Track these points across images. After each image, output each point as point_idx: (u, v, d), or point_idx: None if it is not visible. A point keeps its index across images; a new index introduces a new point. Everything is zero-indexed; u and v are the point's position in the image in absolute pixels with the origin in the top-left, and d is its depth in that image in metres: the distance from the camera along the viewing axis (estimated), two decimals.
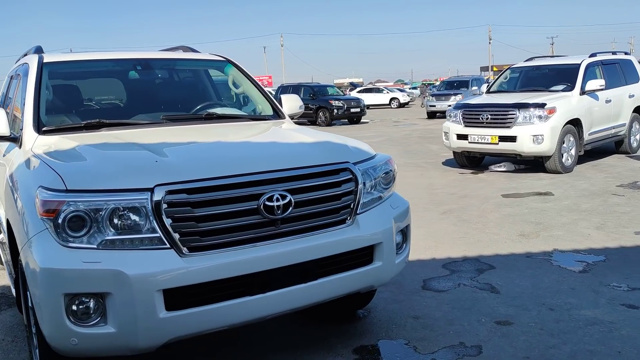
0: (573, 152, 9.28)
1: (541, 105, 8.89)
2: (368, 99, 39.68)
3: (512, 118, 8.99)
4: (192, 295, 2.49)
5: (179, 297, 2.46)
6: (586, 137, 9.50)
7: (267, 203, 2.64)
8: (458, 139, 9.67)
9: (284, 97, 4.50)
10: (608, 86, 10.07)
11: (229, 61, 4.59)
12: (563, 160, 9.07)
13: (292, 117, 4.51)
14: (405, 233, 3.33)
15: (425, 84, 52.49)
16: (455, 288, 4.32)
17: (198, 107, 4.10)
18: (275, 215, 2.66)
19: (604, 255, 4.94)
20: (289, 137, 3.51)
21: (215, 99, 4.41)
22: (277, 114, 4.29)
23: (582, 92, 9.49)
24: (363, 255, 2.97)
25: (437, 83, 41.14)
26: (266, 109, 4.33)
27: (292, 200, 2.71)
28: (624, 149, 10.85)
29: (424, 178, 9.36)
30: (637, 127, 11.05)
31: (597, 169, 9.43)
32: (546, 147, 8.79)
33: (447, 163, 10.79)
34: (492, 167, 10.14)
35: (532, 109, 8.89)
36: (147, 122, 3.65)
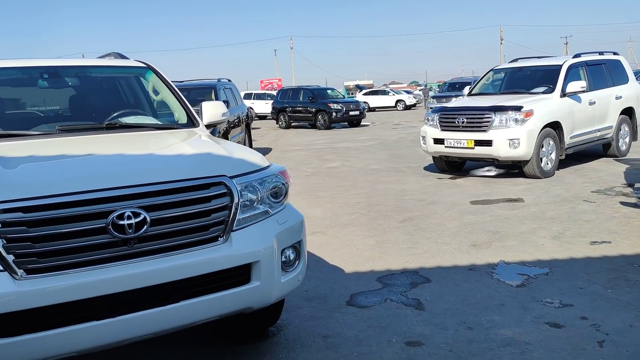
0: (553, 156, 8.99)
1: (517, 108, 8.63)
2: (374, 101, 39.58)
3: (488, 122, 8.74)
4: (27, 321, 2.33)
5: (11, 323, 2.31)
6: (567, 140, 9.21)
7: (117, 221, 2.47)
8: (435, 143, 9.44)
9: (204, 104, 4.34)
10: (592, 88, 9.78)
11: (149, 67, 4.45)
12: (542, 164, 8.80)
13: (214, 125, 4.35)
14: (297, 249, 3.15)
15: (427, 85, 51.96)
16: (380, 304, 4.11)
17: (109, 116, 3.95)
18: (127, 234, 2.49)
19: (549, 267, 4.70)
20: (173, 149, 3.34)
21: (130, 107, 4.26)
22: (192, 123, 4.13)
23: (563, 94, 9.20)
24: (237, 275, 2.79)
25: (439, 85, 40.66)
26: (182, 117, 4.18)
27: (148, 218, 2.54)
28: (611, 152, 10.52)
29: (399, 184, 9.14)
30: (626, 129, 10.71)
31: (579, 173, 9.13)
32: (523, 151, 8.53)
33: (428, 168, 10.55)
34: (473, 172, 9.91)
35: (508, 112, 8.63)
36: (41, 133, 3.52)
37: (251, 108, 27.74)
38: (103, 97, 4.33)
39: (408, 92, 43.25)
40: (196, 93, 12.05)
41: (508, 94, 9.74)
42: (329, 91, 25.76)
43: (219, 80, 12.84)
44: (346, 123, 24.38)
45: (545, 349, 3.27)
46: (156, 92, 4.36)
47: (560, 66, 9.56)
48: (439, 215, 6.76)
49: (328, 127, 23.24)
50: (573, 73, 9.60)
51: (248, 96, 34.78)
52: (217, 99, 11.50)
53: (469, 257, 5.10)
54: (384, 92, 40.99)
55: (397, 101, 39.10)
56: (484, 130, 8.76)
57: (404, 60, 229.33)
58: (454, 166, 10.00)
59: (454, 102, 10.28)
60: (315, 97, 24.06)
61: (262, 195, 3.00)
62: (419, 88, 57.32)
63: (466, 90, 11.10)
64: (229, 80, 13.89)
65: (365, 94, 40.76)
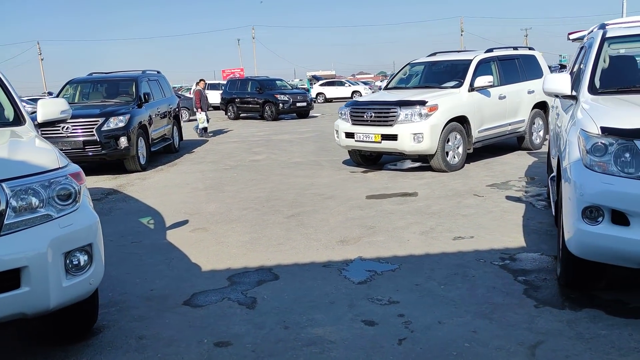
0: (460, 150, 9.13)
1: (422, 103, 8.72)
2: (330, 92, 39.66)
3: (394, 116, 8.81)
4: None
5: None
6: (475, 134, 9.36)
7: None
8: (346, 137, 9.48)
9: (40, 102, 4.27)
10: (503, 82, 9.95)
11: None
12: (448, 158, 8.92)
13: (52, 122, 4.29)
14: (89, 252, 3.12)
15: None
16: (215, 303, 4.12)
17: None
18: None
19: (400, 263, 4.78)
20: None
21: None
22: (19, 121, 4.05)
23: (472, 89, 9.33)
24: (5, 280, 2.75)
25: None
26: (10, 115, 4.10)
27: None
28: (525, 145, 10.73)
29: (310, 177, 9.17)
30: (540, 123, 10.93)
31: (486, 167, 9.29)
32: (426, 145, 8.64)
33: (347, 162, 10.58)
34: (387, 166, 10.00)
35: (413, 107, 8.71)
36: None
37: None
38: None
39: (366, 84, 43.37)
40: (117, 85, 11.88)
41: (420, 88, 9.84)
42: (277, 82, 25.64)
43: (143, 72, 12.64)
44: (295, 114, 24.34)
45: (345, 348, 3.33)
46: None
47: (470, 61, 9.68)
48: (328, 211, 6.80)
49: (275, 119, 23.16)
50: (483, 68, 9.73)
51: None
52: (137, 91, 11.36)
53: (331, 253, 5.15)
54: (340, 83, 41.05)
55: (354, 92, 39.13)
56: (390, 125, 8.83)
57: (372, 51, 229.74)
58: (369, 160, 10.08)
59: (367, 97, 10.33)
60: (263, 88, 23.93)
61: (44, 197, 2.96)
62: (384, 79, 57.52)
63: (383, 84, 11.12)
64: (158, 72, 13.70)
65: (321, 85, 40.75)
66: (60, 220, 3.00)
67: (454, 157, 9.05)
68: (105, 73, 12.96)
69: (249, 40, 76.46)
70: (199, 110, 16.72)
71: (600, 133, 3.47)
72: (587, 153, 3.50)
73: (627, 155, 3.33)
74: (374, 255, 5.05)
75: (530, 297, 3.94)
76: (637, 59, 5.28)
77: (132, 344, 3.51)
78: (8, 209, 2.80)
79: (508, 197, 6.95)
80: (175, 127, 13.48)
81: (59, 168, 3.12)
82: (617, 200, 3.29)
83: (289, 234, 5.84)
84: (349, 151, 10.08)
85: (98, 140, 9.88)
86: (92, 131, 9.87)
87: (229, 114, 25.15)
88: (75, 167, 3.22)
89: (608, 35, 4.98)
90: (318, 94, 39.15)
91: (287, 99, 23.16)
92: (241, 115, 24.98)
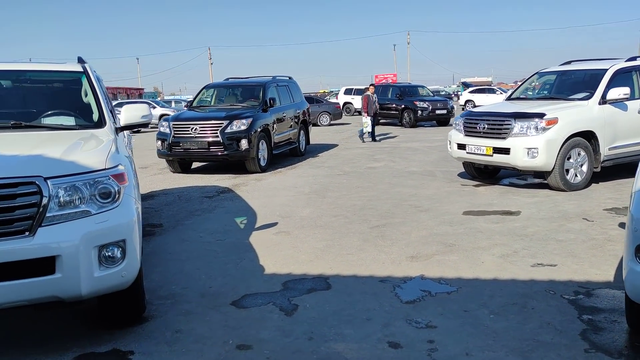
0: (584, 168, 8.31)
1: (540, 115, 8.09)
2: (479, 99, 38.10)
3: (508, 128, 8.28)
4: None
5: None
6: (605, 152, 8.44)
7: None
8: (458, 148, 9.11)
9: (125, 107, 4.70)
10: None
11: (84, 72, 4.90)
12: (568, 177, 8.18)
13: (132, 126, 4.71)
14: (123, 247, 3.40)
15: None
16: (259, 306, 4.24)
17: (32, 116, 4.45)
18: None
19: (460, 286, 4.51)
20: (29, 149, 3.63)
21: (57, 109, 4.69)
22: (100, 124, 4.50)
23: (604, 101, 8.44)
24: (42, 267, 3.11)
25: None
26: (96, 118, 4.57)
27: None
28: None
29: (417, 188, 8.96)
30: None
31: (615, 188, 8.36)
32: (542, 161, 8.00)
33: (463, 174, 10.16)
34: (503, 180, 9.44)
35: (529, 120, 8.12)
36: None
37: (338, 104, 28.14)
38: (31, 99, 4.85)
39: None
40: (247, 90, 12.61)
41: (545, 100, 9.14)
42: (419, 89, 25.33)
43: (273, 77, 13.27)
44: (435, 122, 23.87)
45: None
46: (86, 94, 4.80)
47: (606, 70, 8.76)
48: (416, 224, 6.61)
49: (413, 125, 22.91)
50: (621, 78, 8.75)
51: (348, 91, 35.14)
52: (264, 95, 11.94)
53: (395, 268, 5.02)
54: (491, 91, 39.28)
55: None
56: (503, 138, 8.32)
57: (536, 57, 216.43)
58: (485, 173, 9.58)
59: (484, 107, 9.82)
60: (403, 95, 23.80)
61: (86, 195, 3.29)
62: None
63: (507, 93, 10.49)
64: (290, 78, 14.29)
65: (471, 92, 39.38)
66: (97, 216, 3.32)
67: (576, 176, 8.26)
68: (240, 78, 13.83)
69: (405, 45, 76.16)
70: (365, 114, 17.04)
71: None
72: None
73: None
74: (437, 274, 4.82)
75: (585, 339, 3.51)
76: None
77: (167, 336, 3.75)
78: (51, 202, 3.16)
79: (621, 225, 6.20)
80: (302, 131, 13.94)
81: (104, 169, 3.44)
82: None
83: (363, 245, 5.79)
84: (463, 163, 9.68)
85: (221, 141, 10.58)
86: (217, 133, 10.61)
87: None
88: (118, 169, 3.52)
89: None
90: (467, 101, 37.90)
91: (426, 105, 22.79)
92: (381, 121, 25.06)
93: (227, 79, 13.73)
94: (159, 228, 6.87)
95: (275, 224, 6.85)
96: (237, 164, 11.44)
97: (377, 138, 17.56)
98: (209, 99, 13.04)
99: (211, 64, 70.94)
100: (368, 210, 7.43)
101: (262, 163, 11.29)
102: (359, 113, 33.04)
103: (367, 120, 16.96)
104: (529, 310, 3.97)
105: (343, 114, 29.15)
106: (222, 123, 10.69)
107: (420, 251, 5.50)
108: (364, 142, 17.01)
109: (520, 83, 10.47)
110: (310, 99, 23.92)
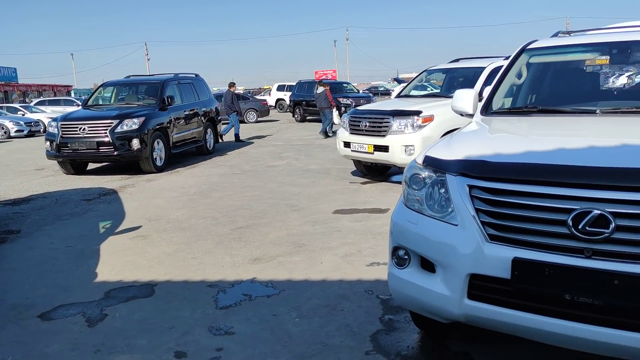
0: None
1: (416, 113, 8.21)
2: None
3: (387, 126, 8.37)
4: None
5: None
6: None
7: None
8: (344, 146, 9.15)
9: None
10: None
11: None
12: None
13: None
14: None
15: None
16: (67, 317, 4.06)
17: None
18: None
19: (284, 289, 4.46)
20: None
21: None
22: None
23: (480, 99, 8.61)
24: None
25: None
26: None
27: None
28: None
29: (304, 187, 8.93)
30: None
31: None
32: None
33: (355, 172, 10.18)
34: (392, 177, 9.54)
35: (406, 117, 8.23)
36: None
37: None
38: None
39: None
40: (145, 88, 12.30)
41: (430, 97, 9.29)
42: (344, 85, 25.46)
43: (175, 75, 12.99)
44: None
45: None
46: None
47: (484, 68, 8.98)
48: (281, 224, 6.56)
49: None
50: (493, 76, 8.95)
51: (281, 88, 35.03)
52: (162, 94, 11.67)
53: (231, 272, 4.93)
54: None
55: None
56: (383, 135, 8.40)
57: (476, 53, 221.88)
58: (375, 170, 9.66)
59: (368, 105, 9.91)
60: None
61: None
62: None
63: (397, 90, 10.63)
64: (196, 75, 14.03)
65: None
66: None
67: None
68: (142, 76, 13.48)
69: (348, 41, 76.66)
70: (335, 108, 17.53)
71: (421, 163, 3.01)
72: (406, 184, 3.06)
73: (439, 190, 2.85)
74: (270, 277, 4.77)
75: (373, 340, 3.51)
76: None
77: None
78: None
79: None
80: (209, 130, 13.72)
81: None
82: (415, 243, 2.83)
83: (214, 248, 5.69)
84: (353, 160, 9.73)
85: (111, 141, 10.27)
86: (106, 132, 10.28)
87: (296, 116, 25.34)
88: None
89: (531, 46, 4.37)
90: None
91: (349, 102, 22.92)
92: (307, 117, 25.07)
93: (128, 76, 13.35)
94: (14, 235, 6.57)
95: (138, 227, 6.66)
96: (134, 164, 11.13)
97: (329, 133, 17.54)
98: (108, 98, 12.64)
99: (148, 59, 69.31)
100: (242, 211, 7.34)
101: (159, 163, 11.04)
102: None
103: (336, 113, 17.28)
104: (337, 312, 3.96)
105: (271, 111, 29.01)
106: (112, 122, 10.37)
107: (267, 253, 5.44)
108: (329, 136, 17.03)
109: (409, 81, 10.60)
110: (238, 96, 23.67)
